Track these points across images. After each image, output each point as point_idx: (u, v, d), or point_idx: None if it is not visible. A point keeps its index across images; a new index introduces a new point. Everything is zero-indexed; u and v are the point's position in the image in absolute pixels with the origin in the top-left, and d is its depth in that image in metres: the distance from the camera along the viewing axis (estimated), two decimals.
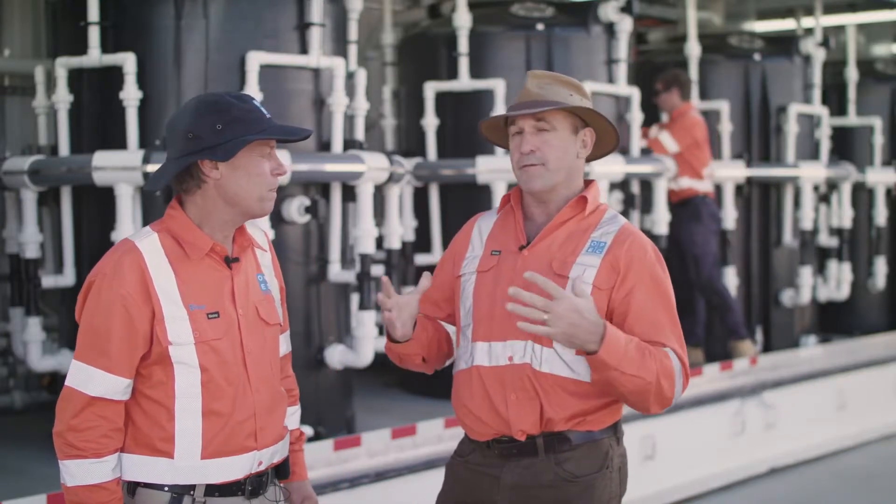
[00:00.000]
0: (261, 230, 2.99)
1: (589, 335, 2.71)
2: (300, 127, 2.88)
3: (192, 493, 2.73)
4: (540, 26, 6.72)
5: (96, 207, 5.22)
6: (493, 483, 2.94)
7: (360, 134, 5.57)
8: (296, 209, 5.22)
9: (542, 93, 2.94)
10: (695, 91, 7.94)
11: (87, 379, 2.68)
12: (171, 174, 2.75)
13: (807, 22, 9.53)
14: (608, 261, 2.89)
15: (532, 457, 2.90)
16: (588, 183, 3.03)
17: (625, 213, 6.85)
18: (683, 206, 7.66)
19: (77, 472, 2.68)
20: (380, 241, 5.63)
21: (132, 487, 2.75)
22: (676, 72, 7.76)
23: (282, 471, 2.93)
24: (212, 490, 2.74)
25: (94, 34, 5.08)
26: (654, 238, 7.07)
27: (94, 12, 5.06)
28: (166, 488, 2.72)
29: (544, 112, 2.91)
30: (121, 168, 4.90)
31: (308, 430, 4.95)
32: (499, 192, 6.24)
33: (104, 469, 2.69)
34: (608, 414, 2.94)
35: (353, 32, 5.74)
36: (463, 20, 6.53)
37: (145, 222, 4.96)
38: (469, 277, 3.02)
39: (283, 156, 4.79)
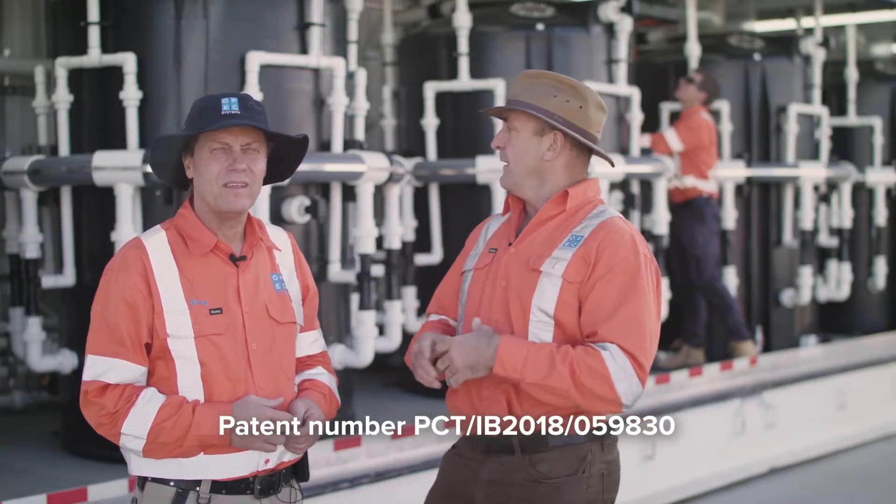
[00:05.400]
0: (283, 231, 3.01)
1: (485, 358, 2.79)
2: (250, 122, 2.73)
3: (197, 489, 2.74)
4: (540, 26, 6.73)
5: (96, 207, 5.22)
6: (473, 476, 2.97)
7: (360, 134, 5.56)
8: (296, 209, 5.21)
9: (520, 93, 2.95)
10: None
11: (108, 368, 2.70)
12: (162, 168, 2.89)
13: (807, 22, 9.53)
14: (580, 254, 2.85)
15: (510, 454, 2.91)
16: (581, 181, 2.97)
17: (625, 213, 6.84)
18: (686, 206, 7.65)
19: (138, 425, 2.66)
20: (380, 241, 5.63)
21: (142, 482, 2.78)
22: (714, 79, 7.74)
23: (300, 473, 2.93)
24: (218, 487, 2.75)
25: (94, 34, 5.08)
26: (655, 238, 7.07)
27: (94, 12, 5.06)
28: (172, 483, 2.74)
29: (506, 112, 2.96)
30: (121, 168, 4.90)
31: None
32: (498, 192, 6.23)
33: (150, 401, 2.68)
34: (590, 418, 2.89)
35: (353, 32, 5.73)
36: (463, 20, 6.53)
37: (145, 222, 4.97)
38: (468, 274, 3.07)
39: None
